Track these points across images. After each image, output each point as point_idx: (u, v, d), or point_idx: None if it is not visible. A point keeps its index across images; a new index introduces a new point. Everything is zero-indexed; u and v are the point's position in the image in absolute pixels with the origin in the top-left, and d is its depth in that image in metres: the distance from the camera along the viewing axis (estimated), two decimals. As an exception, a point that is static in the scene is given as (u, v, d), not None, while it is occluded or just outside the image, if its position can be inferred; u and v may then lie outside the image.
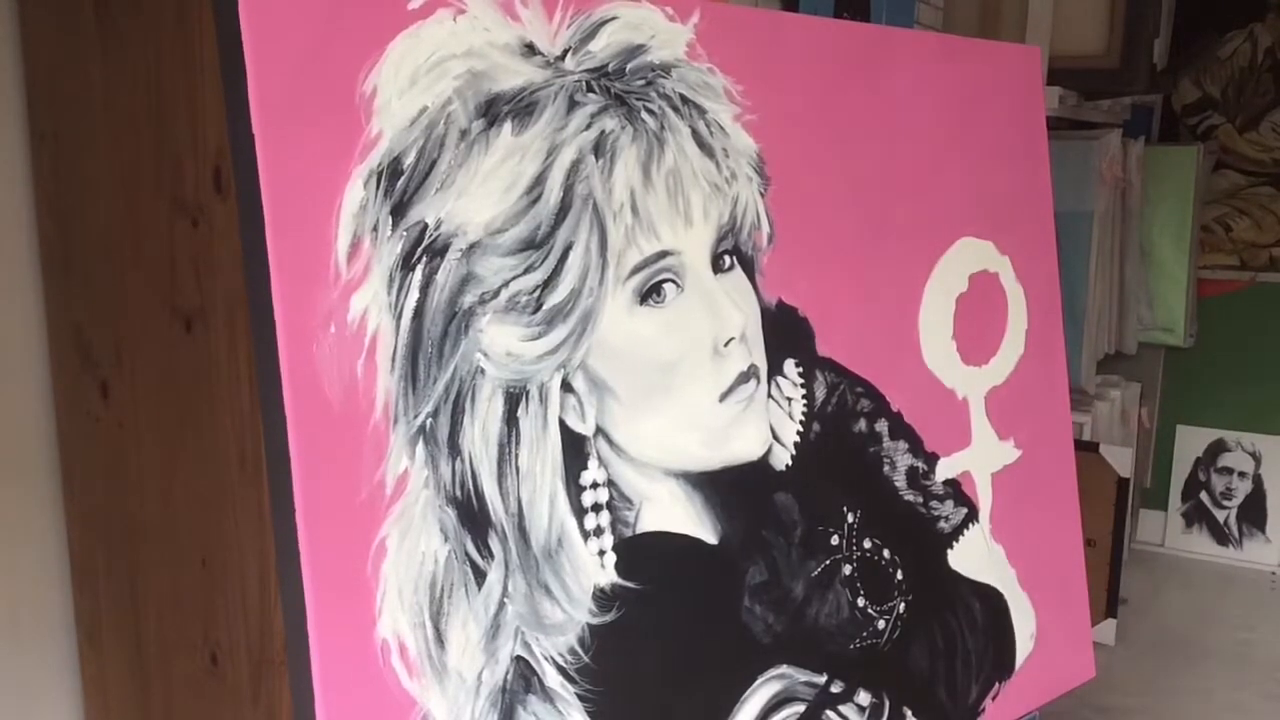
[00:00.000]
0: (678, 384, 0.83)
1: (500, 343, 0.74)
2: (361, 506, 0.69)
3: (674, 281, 0.83)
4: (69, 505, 1.05)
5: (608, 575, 0.80)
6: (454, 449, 0.73)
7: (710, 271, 0.85)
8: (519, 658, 0.75)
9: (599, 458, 0.80)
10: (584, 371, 0.78)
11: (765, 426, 0.89)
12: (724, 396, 0.86)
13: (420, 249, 0.71)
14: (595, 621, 0.79)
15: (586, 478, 0.79)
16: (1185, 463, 2.57)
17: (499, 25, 0.74)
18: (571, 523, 0.78)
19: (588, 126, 0.78)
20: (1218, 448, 2.54)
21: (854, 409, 0.96)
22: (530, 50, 0.76)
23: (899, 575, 1.00)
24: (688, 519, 0.85)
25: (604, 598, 0.79)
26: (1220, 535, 2.53)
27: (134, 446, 0.96)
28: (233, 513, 0.87)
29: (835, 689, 0.94)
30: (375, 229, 0.69)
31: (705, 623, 0.86)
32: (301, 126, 0.66)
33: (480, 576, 0.74)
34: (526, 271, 0.75)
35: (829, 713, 0.94)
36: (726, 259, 0.87)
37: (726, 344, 0.86)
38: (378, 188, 0.69)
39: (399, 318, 0.70)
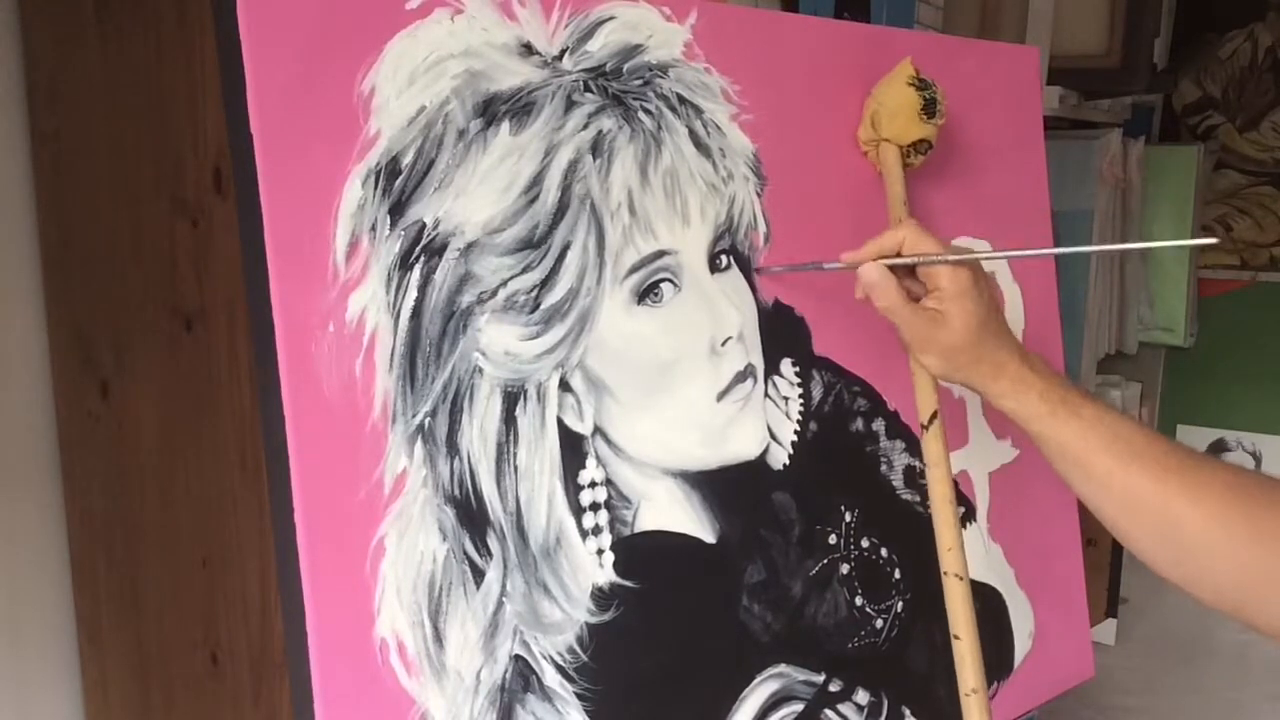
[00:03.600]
0: (675, 383, 0.83)
1: (498, 342, 0.74)
2: (360, 506, 0.69)
3: (671, 281, 0.83)
4: (69, 505, 1.05)
5: (606, 574, 0.80)
6: (452, 448, 0.73)
7: (707, 271, 0.85)
8: (517, 656, 0.76)
9: (597, 457, 0.80)
10: (582, 371, 0.78)
11: (762, 426, 0.89)
12: (721, 396, 0.86)
13: (418, 248, 0.71)
14: (594, 620, 0.79)
15: (585, 477, 0.79)
16: (1186, 463, 2.56)
17: (497, 25, 0.74)
18: (570, 522, 0.78)
19: (585, 126, 0.78)
20: (1218, 448, 2.54)
21: (851, 408, 0.97)
22: (528, 50, 0.76)
23: (897, 574, 1.00)
24: (686, 518, 0.85)
25: (602, 597, 0.80)
26: (1221, 535, 2.53)
27: (134, 446, 0.96)
28: (233, 512, 0.87)
29: (834, 688, 0.95)
30: (373, 228, 0.69)
31: (703, 622, 0.86)
32: (300, 126, 0.66)
33: (479, 575, 0.74)
34: (524, 271, 0.75)
35: (827, 711, 0.94)
36: (723, 258, 0.87)
37: (724, 343, 0.86)
38: (376, 187, 0.69)
39: (397, 317, 0.70)
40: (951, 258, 0.80)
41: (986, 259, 0.82)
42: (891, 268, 0.81)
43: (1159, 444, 0.76)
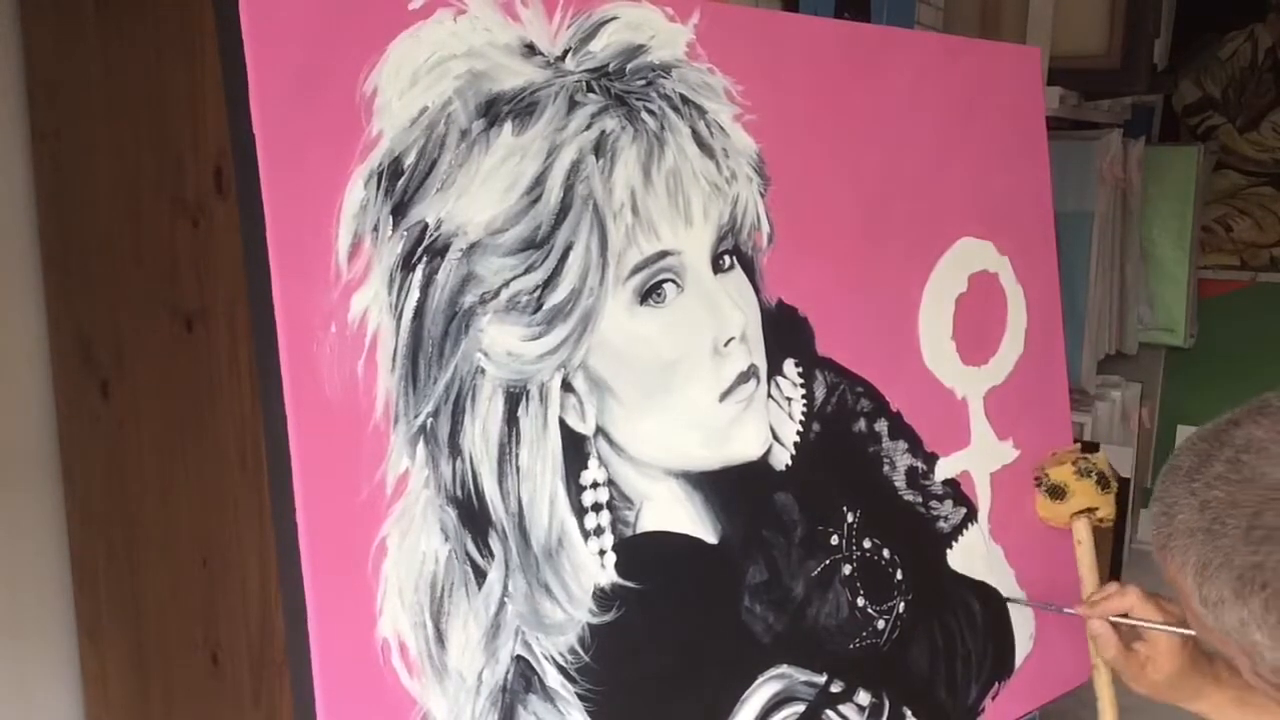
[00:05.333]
0: (678, 384, 0.83)
1: (501, 342, 0.74)
2: (362, 506, 0.69)
3: (674, 281, 0.83)
4: (70, 505, 1.05)
5: (608, 575, 0.80)
6: (454, 449, 0.73)
7: (710, 271, 0.85)
8: (519, 657, 0.76)
9: (599, 457, 0.80)
10: (584, 371, 0.78)
11: (765, 426, 0.89)
12: (724, 396, 0.86)
13: (421, 249, 0.71)
14: (595, 621, 0.79)
15: (587, 477, 0.79)
16: (1185, 463, 2.56)
17: (499, 25, 0.74)
18: (572, 522, 0.78)
19: (588, 127, 0.78)
20: (1218, 448, 2.53)
21: (854, 409, 0.96)
22: (531, 50, 0.76)
23: (898, 575, 1.00)
24: (688, 519, 0.85)
25: (604, 597, 0.79)
26: (1220, 535, 2.53)
27: (134, 446, 0.96)
28: (233, 512, 0.87)
29: (835, 689, 0.94)
30: (376, 229, 0.69)
31: (705, 622, 0.86)
32: (302, 127, 0.66)
33: (480, 576, 0.74)
34: (527, 271, 0.75)
35: (829, 712, 0.94)
36: (726, 259, 0.87)
37: (726, 344, 0.86)
38: (378, 188, 0.69)
39: (399, 317, 0.70)
40: (1166, 628, 0.95)
41: (1180, 633, 0.95)
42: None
43: None
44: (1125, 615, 0.97)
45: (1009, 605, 1.10)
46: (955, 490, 1.06)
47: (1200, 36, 2.53)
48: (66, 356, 1.01)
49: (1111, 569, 2.08)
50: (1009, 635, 1.11)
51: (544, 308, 0.76)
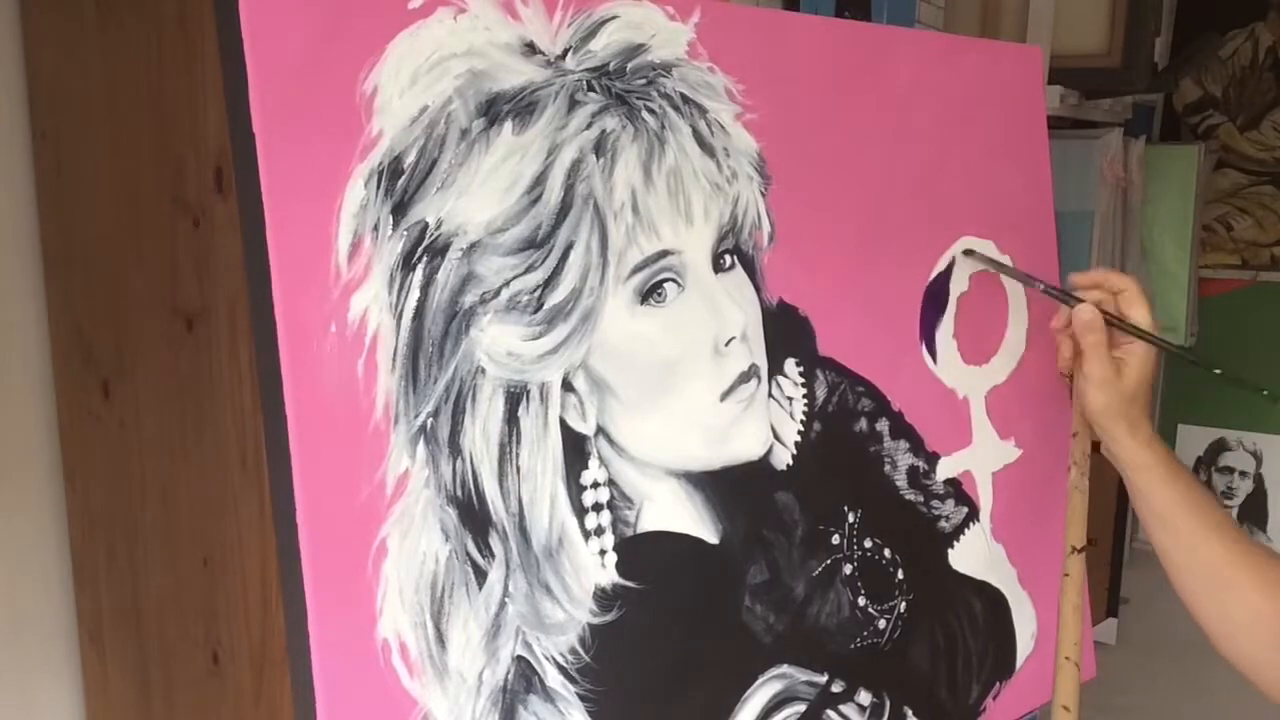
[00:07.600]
0: (678, 383, 0.83)
1: (501, 342, 0.74)
2: (362, 506, 0.69)
3: (675, 281, 0.83)
4: (70, 505, 1.05)
5: (608, 575, 0.80)
6: (455, 449, 0.72)
7: (711, 271, 0.85)
8: (520, 657, 0.75)
9: (600, 457, 0.79)
10: (585, 371, 0.78)
11: (766, 426, 0.89)
12: (725, 396, 0.86)
13: (421, 248, 0.71)
14: (596, 621, 0.79)
15: (587, 477, 0.79)
16: (1186, 462, 2.56)
17: (499, 24, 0.74)
18: (572, 522, 0.78)
19: (588, 126, 0.78)
20: (1219, 447, 2.54)
21: (855, 408, 0.96)
22: (531, 49, 0.76)
23: (900, 575, 1.00)
24: (689, 518, 0.85)
25: (605, 597, 0.79)
26: (1221, 534, 2.53)
27: (135, 446, 0.96)
28: (234, 512, 0.87)
29: (836, 689, 0.94)
30: (376, 228, 0.69)
31: (706, 622, 0.86)
32: (302, 126, 0.66)
33: (481, 576, 0.74)
34: (527, 271, 0.75)
35: (830, 712, 0.94)
36: (727, 258, 0.86)
37: (727, 343, 0.86)
38: (378, 187, 0.69)
39: (399, 317, 0.70)
40: (1157, 338, 0.97)
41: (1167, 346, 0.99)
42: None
43: (1234, 526, 0.97)
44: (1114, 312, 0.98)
45: (1010, 603, 1.10)
46: (957, 490, 1.06)
47: (1201, 35, 2.53)
48: (67, 356, 1.01)
49: (1112, 568, 2.08)
50: (1010, 635, 1.11)
51: (544, 307, 0.76)
